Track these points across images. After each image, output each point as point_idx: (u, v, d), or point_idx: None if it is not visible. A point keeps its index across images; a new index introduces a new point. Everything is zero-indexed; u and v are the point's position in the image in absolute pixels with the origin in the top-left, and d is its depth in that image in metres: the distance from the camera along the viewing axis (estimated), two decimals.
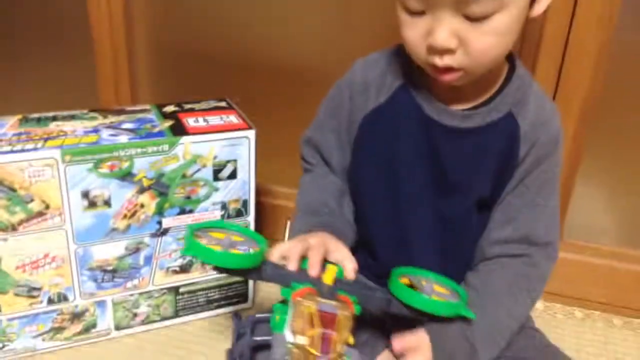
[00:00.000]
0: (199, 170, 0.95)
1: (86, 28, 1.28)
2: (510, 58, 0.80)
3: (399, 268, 0.75)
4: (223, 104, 1.06)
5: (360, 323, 0.71)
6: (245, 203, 1.01)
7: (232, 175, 0.98)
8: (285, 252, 0.71)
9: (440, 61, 0.70)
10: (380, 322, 0.75)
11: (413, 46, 0.73)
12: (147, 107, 1.03)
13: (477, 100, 0.79)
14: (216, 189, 0.97)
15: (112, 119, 0.96)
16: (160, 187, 0.93)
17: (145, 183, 0.91)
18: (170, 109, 1.02)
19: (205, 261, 0.69)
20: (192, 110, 1.02)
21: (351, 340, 0.65)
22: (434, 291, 0.71)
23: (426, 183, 0.80)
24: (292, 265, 0.69)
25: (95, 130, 0.91)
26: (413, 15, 0.71)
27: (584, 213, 1.17)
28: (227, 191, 0.98)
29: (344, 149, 0.85)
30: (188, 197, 0.95)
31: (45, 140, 0.87)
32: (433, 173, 0.80)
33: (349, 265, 0.71)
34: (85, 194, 0.88)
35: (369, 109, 0.83)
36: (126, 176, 0.90)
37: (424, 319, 0.72)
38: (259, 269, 0.70)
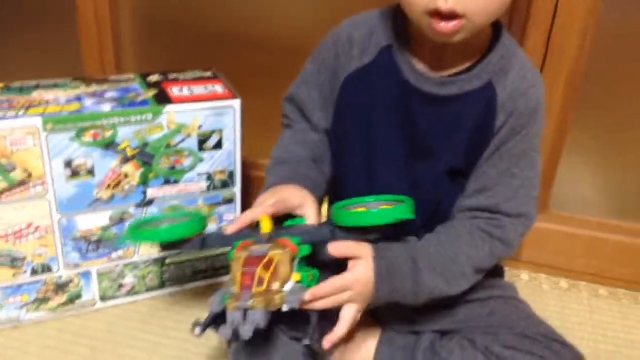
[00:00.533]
0: (183, 140, 0.94)
1: None
2: (496, 27, 0.79)
3: (339, 202, 0.76)
4: (209, 73, 1.05)
5: (325, 271, 0.73)
6: (231, 174, 1.00)
7: (218, 146, 0.97)
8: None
9: (445, 4, 0.68)
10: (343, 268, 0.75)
11: None
12: (132, 76, 1.02)
13: (459, 68, 0.78)
14: (201, 160, 0.96)
15: (95, 87, 0.95)
16: (144, 156, 0.92)
17: (129, 153, 0.90)
18: (154, 78, 1.01)
19: (150, 241, 0.73)
20: (176, 79, 1.01)
21: (296, 277, 0.67)
22: (380, 209, 0.72)
23: (399, 146, 0.80)
24: (229, 229, 0.73)
25: (78, 99, 0.90)
26: None
27: (570, 184, 1.17)
28: (212, 162, 0.97)
29: (327, 107, 0.85)
30: (173, 168, 0.94)
31: (27, 108, 0.86)
32: (406, 137, 0.80)
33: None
34: (68, 163, 0.87)
35: (352, 69, 0.82)
36: (110, 145, 0.89)
37: (373, 240, 0.73)
38: (200, 240, 0.73)
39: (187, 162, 0.95)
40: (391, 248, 0.75)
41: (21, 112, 0.84)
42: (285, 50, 1.20)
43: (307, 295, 0.67)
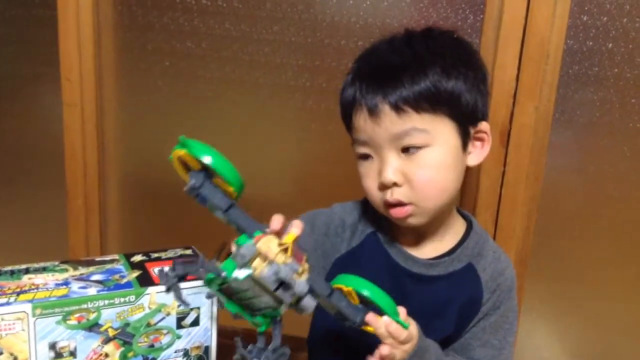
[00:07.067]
0: (163, 318, 0.99)
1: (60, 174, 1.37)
2: (468, 218, 0.91)
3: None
4: (189, 251, 1.13)
5: None
6: (207, 349, 1.04)
7: (195, 323, 1.02)
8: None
9: (391, 196, 0.81)
10: None
11: (370, 191, 0.84)
12: (116, 256, 1.09)
13: (439, 251, 0.89)
14: (179, 337, 1.01)
15: (82, 270, 1.02)
16: (125, 336, 0.97)
17: (111, 333, 0.95)
18: (137, 258, 1.08)
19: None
20: (158, 259, 1.08)
21: None
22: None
23: None
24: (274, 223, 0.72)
25: (66, 283, 0.96)
26: (365, 160, 0.83)
27: (531, 351, 1.23)
28: (189, 338, 1.02)
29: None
30: (152, 346, 0.99)
31: (18, 294, 0.91)
32: None
33: None
34: (53, 346, 0.92)
35: (342, 251, 0.92)
36: (93, 327, 0.94)
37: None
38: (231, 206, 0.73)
39: (165, 339, 1.00)
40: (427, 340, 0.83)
41: (12, 299, 0.90)
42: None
43: (384, 317, 0.74)
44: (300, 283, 0.66)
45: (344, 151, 1.20)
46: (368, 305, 0.77)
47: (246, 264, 0.66)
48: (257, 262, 0.66)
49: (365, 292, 0.75)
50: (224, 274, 0.66)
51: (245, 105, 1.30)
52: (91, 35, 1.31)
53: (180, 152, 0.72)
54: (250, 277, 0.66)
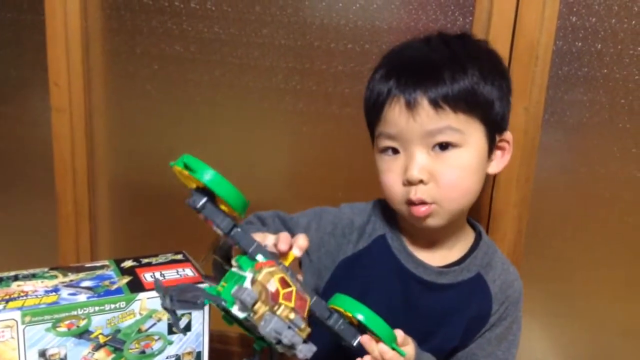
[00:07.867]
0: (154, 324, 0.99)
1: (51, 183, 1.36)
2: (477, 229, 0.91)
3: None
4: (180, 256, 1.12)
5: None
6: (199, 355, 1.04)
7: (187, 328, 1.02)
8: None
9: (414, 194, 0.80)
10: None
11: (391, 187, 0.83)
12: (106, 262, 1.08)
13: (448, 260, 0.89)
14: (170, 343, 1.01)
15: (72, 276, 1.01)
16: (115, 343, 0.96)
17: (102, 340, 0.95)
18: (128, 263, 1.07)
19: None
20: (149, 264, 1.08)
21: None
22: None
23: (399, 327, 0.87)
24: (262, 239, 0.71)
25: (55, 290, 0.96)
26: (389, 155, 0.83)
27: (524, 352, 1.23)
28: (181, 344, 1.02)
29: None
30: (143, 352, 0.98)
31: (7, 301, 0.91)
32: (406, 322, 0.87)
33: None
34: (42, 353, 0.91)
35: (348, 253, 0.91)
36: (83, 334, 0.93)
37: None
38: (233, 227, 0.70)
39: (156, 345, 1.00)
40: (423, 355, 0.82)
41: (1, 306, 0.89)
42: None
43: (381, 345, 0.73)
44: (304, 347, 0.65)
45: (335, 154, 1.21)
46: (366, 328, 0.76)
47: (247, 308, 0.65)
48: (258, 305, 0.64)
49: (360, 317, 0.74)
50: (224, 303, 0.65)
51: (235, 108, 1.30)
52: (79, 40, 1.30)
53: (184, 172, 0.70)
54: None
